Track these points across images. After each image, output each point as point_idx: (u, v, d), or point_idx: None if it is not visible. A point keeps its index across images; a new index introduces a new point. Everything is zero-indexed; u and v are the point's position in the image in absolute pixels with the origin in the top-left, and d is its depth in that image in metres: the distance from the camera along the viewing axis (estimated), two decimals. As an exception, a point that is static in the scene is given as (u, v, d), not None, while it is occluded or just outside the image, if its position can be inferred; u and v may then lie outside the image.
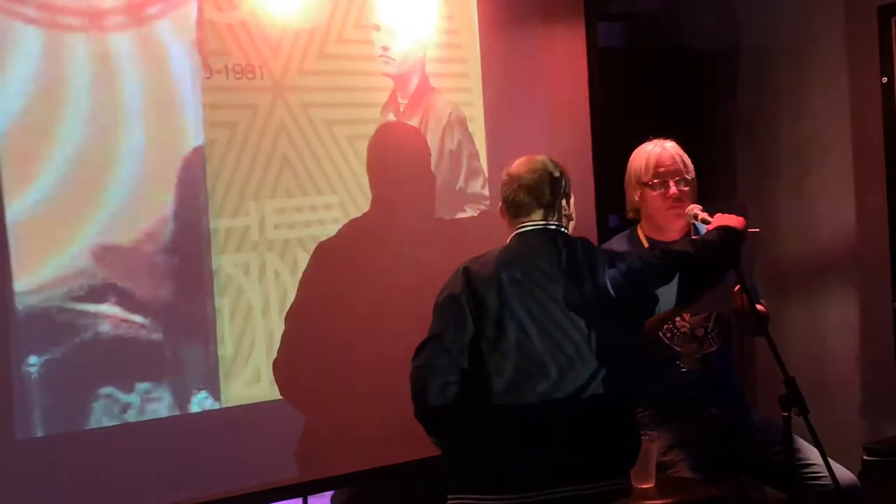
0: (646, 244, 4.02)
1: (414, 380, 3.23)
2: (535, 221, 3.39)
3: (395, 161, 4.22)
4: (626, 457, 3.30)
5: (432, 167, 4.30)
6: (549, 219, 3.39)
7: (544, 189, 3.39)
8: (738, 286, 3.73)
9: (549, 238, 3.36)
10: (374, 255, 4.13)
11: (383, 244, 4.15)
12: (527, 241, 3.37)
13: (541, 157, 3.45)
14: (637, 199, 4.04)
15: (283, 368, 3.92)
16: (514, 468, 3.17)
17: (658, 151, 4.00)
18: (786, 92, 5.23)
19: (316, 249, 4.00)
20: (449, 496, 3.25)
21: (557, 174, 3.42)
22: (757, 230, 3.74)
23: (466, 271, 3.31)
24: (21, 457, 3.43)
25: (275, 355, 3.91)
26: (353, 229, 4.08)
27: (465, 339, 3.23)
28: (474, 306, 3.25)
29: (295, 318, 3.95)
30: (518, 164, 3.45)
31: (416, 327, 3.36)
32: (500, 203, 3.44)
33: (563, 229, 3.41)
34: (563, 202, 3.43)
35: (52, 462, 3.47)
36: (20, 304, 3.43)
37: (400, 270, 4.15)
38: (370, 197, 4.14)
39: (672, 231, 4.01)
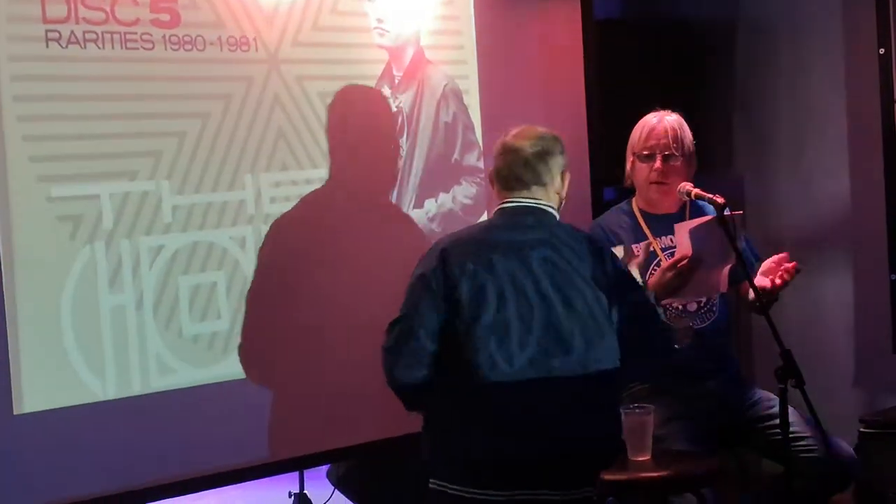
0: (640, 218, 4.02)
1: (383, 361, 3.17)
2: (526, 198, 3.27)
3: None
4: (602, 456, 3.25)
5: (427, 139, 4.29)
6: (542, 197, 3.27)
7: (542, 165, 3.27)
8: (728, 267, 3.75)
9: (537, 218, 3.25)
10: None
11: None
12: (513, 219, 3.25)
13: (541, 129, 3.32)
14: (629, 168, 4.05)
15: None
16: (494, 459, 3.10)
17: (653, 123, 3.99)
18: (783, 63, 5.21)
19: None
20: (430, 480, 3.20)
21: (558, 150, 3.30)
22: (740, 212, 3.72)
23: (443, 250, 3.19)
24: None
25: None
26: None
27: (433, 321, 3.13)
28: (447, 286, 3.13)
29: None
30: (517, 135, 3.31)
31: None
32: (491, 171, 3.33)
33: (554, 211, 3.29)
34: (559, 181, 3.30)
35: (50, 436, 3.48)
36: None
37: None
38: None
39: (663, 206, 4.00)
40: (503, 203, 3.29)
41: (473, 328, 3.10)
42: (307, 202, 3.98)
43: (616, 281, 3.23)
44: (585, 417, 3.14)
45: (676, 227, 3.79)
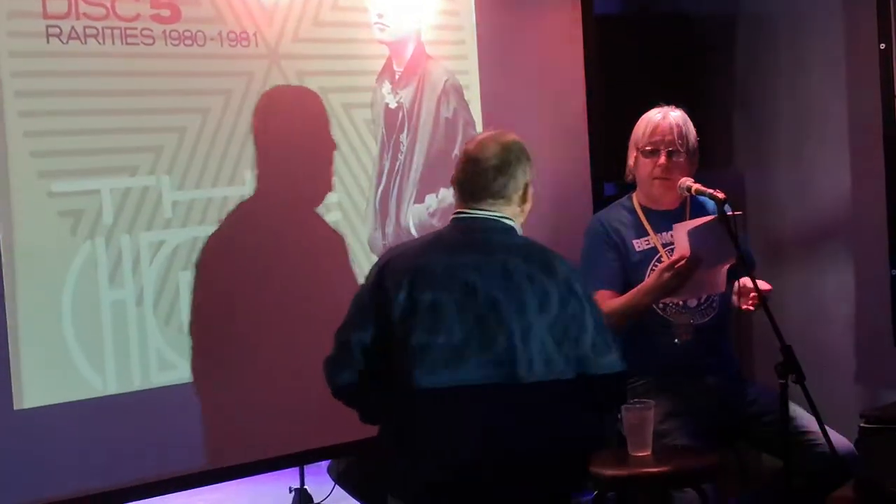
0: (640, 213, 4.02)
1: (323, 370, 3.13)
2: (484, 211, 3.12)
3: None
4: (552, 471, 3.09)
5: (427, 135, 4.29)
6: (503, 211, 3.12)
7: (504, 177, 3.11)
8: (728, 266, 3.75)
9: (489, 234, 3.10)
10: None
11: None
12: (465, 234, 3.11)
13: (508, 137, 3.16)
14: (632, 163, 4.05)
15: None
16: (444, 479, 3.01)
17: (658, 119, 3.98)
18: (784, 58, 5.21)
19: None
20: (389, 497, 3.15)
21: (524, 161, 3.14)
22: (740, 213, 3.73)
23: (384, 265, 3.09)
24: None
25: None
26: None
27: (366, 336, 3.05)
28: (381, 301, 3.03)
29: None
30: (481, 143, 3.15)
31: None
32: (452, 178, 3.19)
33: (514, 225, 3.14)
34: (523, 193, 3.15)
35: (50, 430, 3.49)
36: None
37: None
38: (362, 165, 4.13)
39: (664, 202, 4.01)
40: (459, 213, 3.16)
41: (407, 344, 3.00)
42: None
43: (571, 316, 3.07)
44: (527, 432, 3.02)
45: (675, 227, 3.79)
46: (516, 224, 3.16)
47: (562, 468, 3.11)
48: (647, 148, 3.97)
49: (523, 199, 3.16)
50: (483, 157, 3.12)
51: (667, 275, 3.70)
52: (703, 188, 3.75)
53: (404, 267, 3.06)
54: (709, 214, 3.82)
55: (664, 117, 3.98)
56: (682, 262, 3.67)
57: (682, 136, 3.97)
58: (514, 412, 3.01)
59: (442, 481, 3.02)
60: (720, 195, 3.59)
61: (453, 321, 3.00)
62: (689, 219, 3.91)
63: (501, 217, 3.13)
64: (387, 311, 3.03)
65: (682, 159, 3.96)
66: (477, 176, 3.12)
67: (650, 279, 3.81)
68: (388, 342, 3.04)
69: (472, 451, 3.00)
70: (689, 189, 3.83)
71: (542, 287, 3.04)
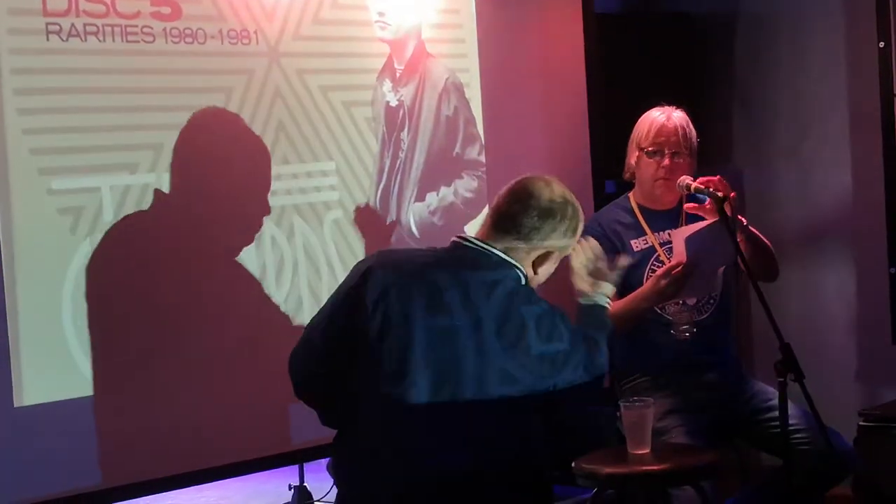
0: (638, 213, 4.02)
1: (288, 363, 3.07)
2: (497, 250, 2.97)
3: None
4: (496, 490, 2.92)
5: (428, 133, 4.30)
6: (516, 259, 2.97)
7: (545, 226, 2.98)
8: (723, 269, 3.78)
9: (497, 271, 2.94)
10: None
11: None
12: (465, 258, 2.97)
13: (561, 189, 3.03)
14: (633, 162, 4.05)
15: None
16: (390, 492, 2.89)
17: (662, 120, 3.98)
18: (783, 57, 5.21)
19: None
20: None
21: (567, 217, 3.00)
22: (733, 194, 3.74)
23: (368, 268, 2.95)
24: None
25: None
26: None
27: (333, 333, 2.95)
28: (355, 304, 2.92)
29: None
30: (544, 181, 3.03)
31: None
32: (493, 204, 3.06)
33: (521, 275, 2.97)
34: (543, 257, 3.00)
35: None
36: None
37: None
38: (363, 163, 4.13)
39: (663, 202, 4.01)
40: (468, 241, 3.02)
41: (367, 354, 2.90)
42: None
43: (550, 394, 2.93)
44: (467, 453, 2.89)
45: (673, 233, 3.81)
46: (523, 275, 2.99)
47: (512, 490, 2.95)
48: (651, 148, 3.97)
49: (540, 263, 3.02)
50: (539, 193, 3.00)
51: (664, 281, 3.72)
52: (701, 185, 3.76)
53: (384, 275, 2.93)
54: (706, 211, 3.82)
55: (669, 118, 3.98)
56: (679, 268, 3.69)
57: (687, 137, 3.98)
58: (459, 433, 2.89)
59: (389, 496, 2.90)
60: (720, 192, 3.61)
61: (415, 338, 2.87)
62: (686, 215, 3.93)
63: (511, 259, 2.97)
64: (358, 315, 2.92)
65: (685, 160, 3.97)
66: (521, 213, 2.98)
67: (647, 285, 3.82)
68: (354, 346, 2.93)
69: (416, 469, 2.88)
70: (687, 187, 3.84)
71: (514, 352, 2.89)
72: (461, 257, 2.98)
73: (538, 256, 3.01)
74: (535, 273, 3.02)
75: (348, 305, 2.95)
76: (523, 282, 2.98)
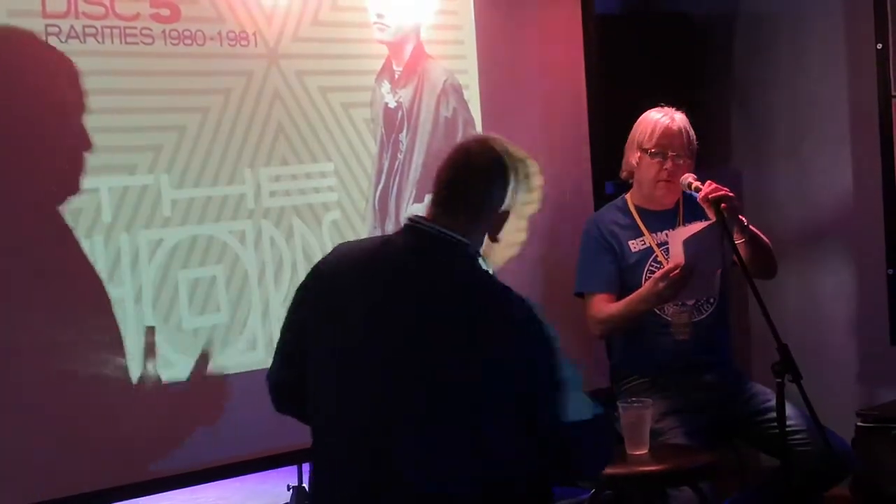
0: (635, 214, 4.03)
1: None
2: (443, 227, 2.65)
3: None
4: None
5: (427, 134, 4.30)
6: (463, 231, 2.64)
7: (479, 188, 2.67)
8: (720, 271, 3.84)
9: (435, 257, 2.64)
10: None
11: None
12: (415, 244, 2.67)
13: (503, 144, 2.72)
14: (634, 162, 4.05)
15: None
16: None
17: (665, 122, 3.99)
18: (782, 58, 5.22)
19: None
20: None
21: (508, 176, 2.68)
22: (732, 195, 3.77)
23: (315, 268, 2.76)
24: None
25: (270, 321, 3.90)
26: None
27: (288, 341, 2.76)
28: (302, 307, 2.74)
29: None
30: (480, 141, 2.74)
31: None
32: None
33: (476, 253, 2.67)
34: (495, 219, 2.68)
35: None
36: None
37: None
38: (361, 165, 4.13)
39: (662, 203, 4.02)
40: (411, 221, 2.72)
41: (313, 360, 2.69)
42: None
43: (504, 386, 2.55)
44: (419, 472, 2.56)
45: (670, 235, 3.82)
46: (475, 251, 2.69)
47: None
48: (654, 150, 3.98)
49: (493, 225, 2.71)
50: (474, 155, 2.72)
51: (661, 284, 3.73)
52: (699, 184, 3.78)
53: (327, 271, 2.73)
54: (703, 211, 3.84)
55: (671, 120, 3.99)
56: (677, 270, 3.70)
57: (689, 139, 4.00)
58: (403, 451, 2.57)
59: None
60: (720, 192, 3.65)
61: (349, 339, 2.64)
62: (684, 216, 3.94)
63: (458, 236, 2.65)
64: (305, 316, 2.73)
65: (686, 162, 3.99)
66: (456, 182, 2.70)
67: (645, 287, 3.83)
68: (305, 350, 2.71)
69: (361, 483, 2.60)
70: (689, 185, 3.86)
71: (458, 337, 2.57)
72: (411, 245, 2.68)
73: (495, 221, 2.70)
74: (496, 240, 2.72)
75: (297, 308, 2.77)
76: (480, 262, 2.69)
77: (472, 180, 2.68)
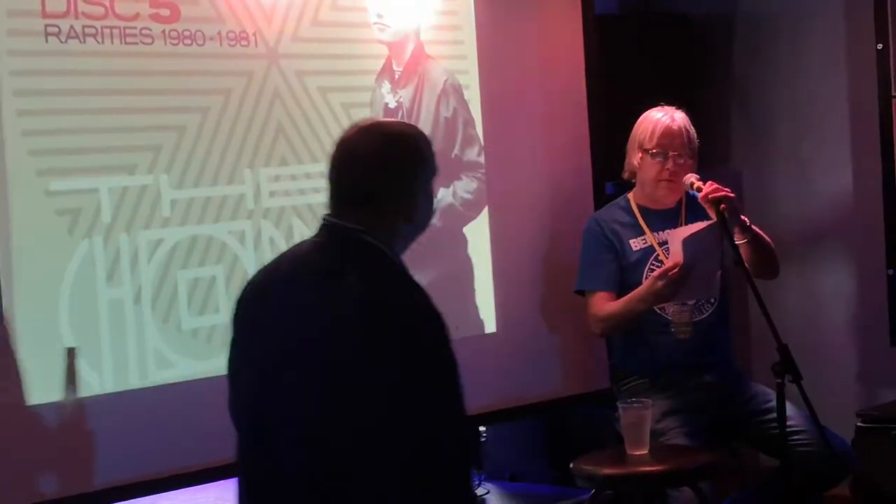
0: (637, 213, 4.03)
1: None
2: (344, 220, 2.45)
3: None
4: None
5: (427, 134, 4.28)
6: (368, 223, 2.43)
7: (382, 178, 2.44)
8: (720, 272, 3.84)
9: (348, 252, 2.42)
10: None
11: None
12: (313, 251, 2.48)
13: (401, 128, 2.62)
14: (636, 163, 4.05)
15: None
16: None
17: (666, 122, 3.99)
18: (782, 58, 5.22)
19: None
20: None
21: (406, 156, 2.47)
22: (733, 195, 3.77)
23: (252, 278, 2.64)
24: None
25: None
26: None
27: (229, 371, 2.60)
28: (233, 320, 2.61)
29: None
30: (362, 128, 2.51)
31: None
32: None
33: (380, 244, 2.43)
34: (403, 203, 2.45)
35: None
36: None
37: None
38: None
39: (664, 202, 4.02)
40: (326, 219, 2.52)
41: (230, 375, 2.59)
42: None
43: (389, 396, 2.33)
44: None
45: (670, 234, 3.82)
46: (383, 243, 2.44)
47: None
48: (655, 150, 3.98)
49: (400, 210, 2.47)
50: (355, 145, 2.49)
51: (660, 283, 3.73)
52: (701, 184, 3.79)
53: (252, 282, 2.61)
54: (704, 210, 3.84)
55: (672, 120, 3.99)
56: (676, 269, 3.70)
57: (690, 139, 4.00)
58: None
59: None
60: (720, 192, 3.66)
61: (246, 357, 2.54)
62: (686, 216, 3.94)
63: (362, 232, 2.43)
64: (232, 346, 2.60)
65: (688, 161, 3.99)
66: (346, 170, 2.49)
67: (644, 286, 3.83)
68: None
69: None
70: (691, 186, 3.86)
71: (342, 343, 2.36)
72: (319, 243, 2.49)
73: (404, 209, 2.48)
74: (411, 221, 2.50)
75: (231, 336, 2.62)
76: (389, 260, 2.45)
77: (356, 170, 2.47)
